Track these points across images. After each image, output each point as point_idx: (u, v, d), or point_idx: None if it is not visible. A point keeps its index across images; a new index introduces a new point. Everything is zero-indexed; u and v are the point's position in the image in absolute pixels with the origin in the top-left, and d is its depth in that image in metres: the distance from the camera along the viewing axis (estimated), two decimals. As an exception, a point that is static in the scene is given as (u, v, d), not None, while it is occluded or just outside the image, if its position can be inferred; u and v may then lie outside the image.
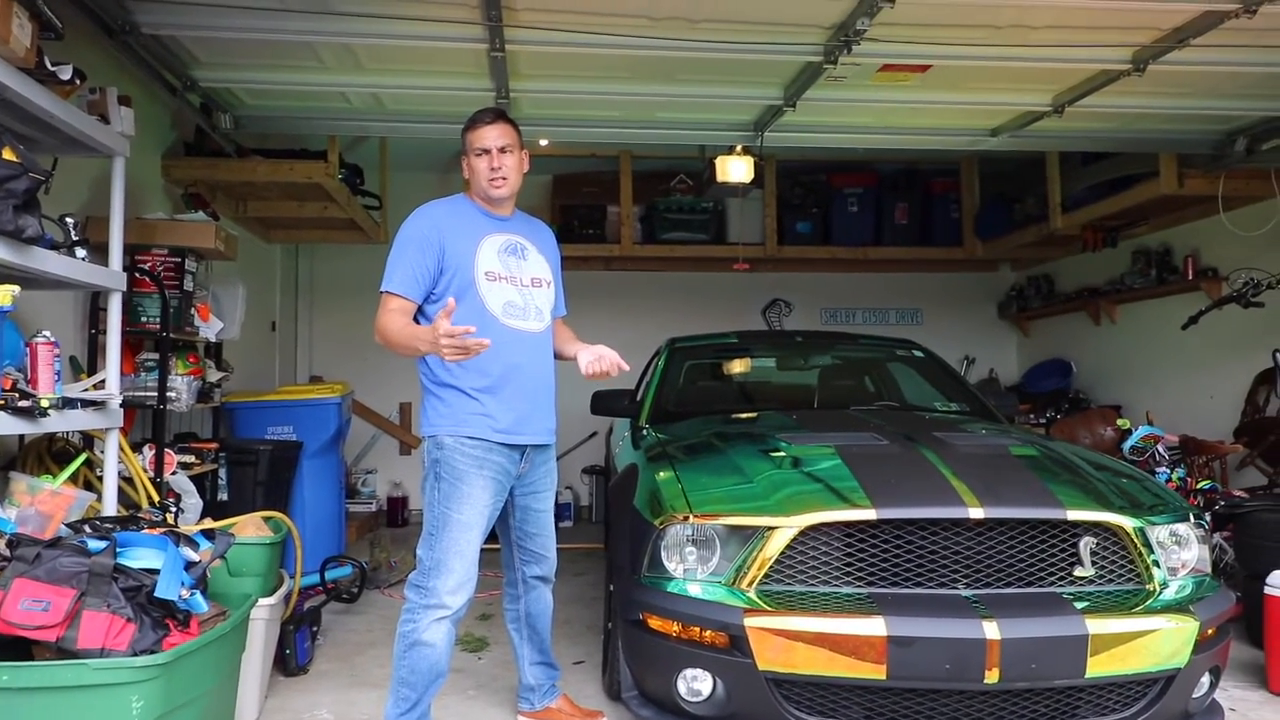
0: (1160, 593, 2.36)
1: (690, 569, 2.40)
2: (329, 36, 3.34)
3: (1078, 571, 2.35)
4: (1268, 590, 3.04)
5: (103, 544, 2.14)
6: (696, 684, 2.33)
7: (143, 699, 1.96)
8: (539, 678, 2.82)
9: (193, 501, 3.61)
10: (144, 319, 3.61)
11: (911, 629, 2.16)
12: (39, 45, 2.40)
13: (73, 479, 2.81)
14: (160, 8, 3.15)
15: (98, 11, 3.04)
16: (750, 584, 2.32)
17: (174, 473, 3.61)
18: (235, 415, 4.67)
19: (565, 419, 2.86)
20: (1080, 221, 5.77)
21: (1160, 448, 4.23)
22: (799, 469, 2.62)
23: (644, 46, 3.36)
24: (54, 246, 2.55)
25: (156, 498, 3.29)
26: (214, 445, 4.13)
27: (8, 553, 2.10)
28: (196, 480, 3.78)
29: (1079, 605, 2.25)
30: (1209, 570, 2.53)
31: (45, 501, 2.52)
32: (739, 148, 4.83)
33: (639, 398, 3.99)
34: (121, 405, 2.92)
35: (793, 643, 2.19)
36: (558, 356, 2.74)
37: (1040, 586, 2.33)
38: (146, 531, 2.31)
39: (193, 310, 3.87)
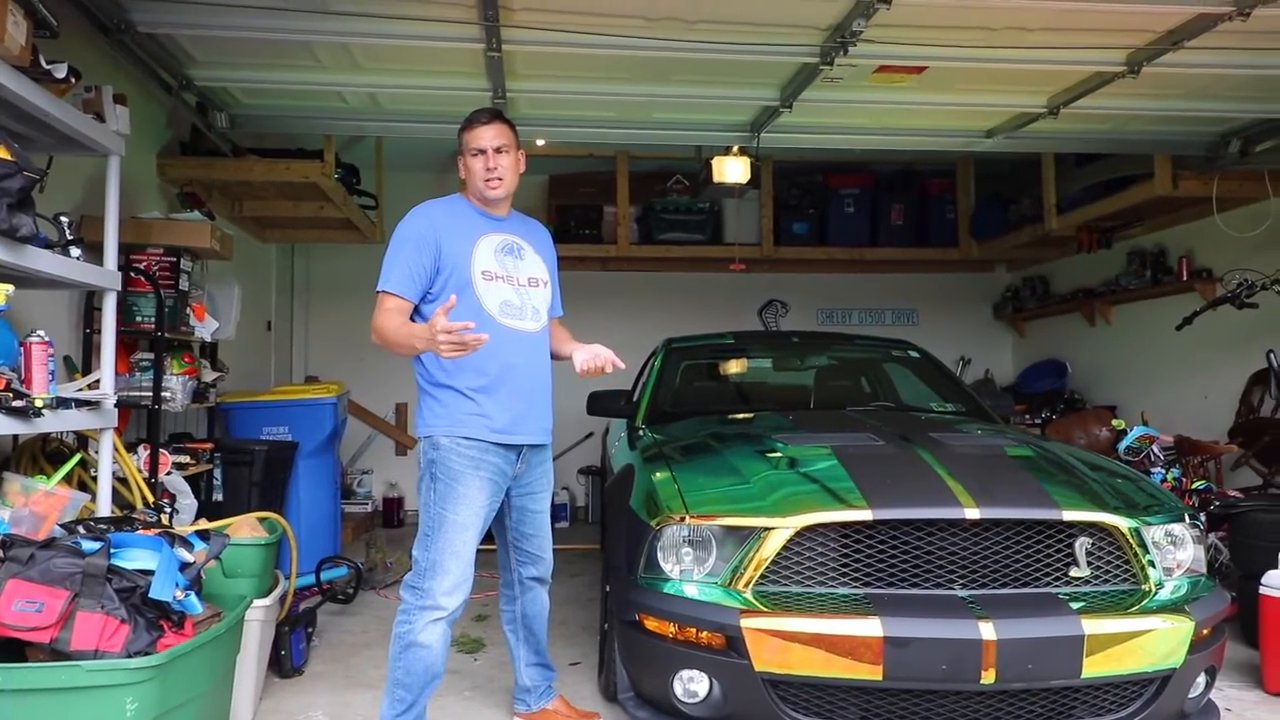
0: (1156, 593, 2.37)
1: (686, 570, 2.40)
2: (326, 36, 3.33)
3: (1073, 572, 2.36)
4: (1263, 590, 3.05)
5: (97, 545, 2.13)
6: (693, 685, 2.33)
7: (137, 701, 1.96)
8: (535, 679, 2.82)
9: (188, 502, 3.60)
10: (139, 319, 3.60)
11: (908, 630, 2.16)
12: (34, 43, 2.39)
13: (67, 479, 2.80)
14: (156, 6, 3.14)
15: (93, 10, 3.03)
16: (746, 585, 2.32)
17: (169, 473, 3.60)
18: (230, 415, 4.66)
19: (561, 419, 2.85)
20: (1075, 222, 5.79)
21: (1155, 448, 4.25)
22: (795, 469, 2.62)
23: (640, 47, 3.36)
24: (48, 245, 2.54)
25: (151, 498, 3.28)
26: (209, 445, 4.12)
27: (1, 553, 2.09)
28: (191, 481, 3.78)
29: (1075, 606, 2.25)
30: (1204, 570, 2.53)
31: (39, 502, 2.51)
32: (735, 148, 4.83)
33: (635, 398, 3.99)
34: (116, 405, 2.91)
35: (789, 644, 2.19)
36: (554, 357, 2.74)
37: (1036, 587, 2.33)
38: (141, 532, 2.31)
39: (188, 310, 3.86)
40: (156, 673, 1.99)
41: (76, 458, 2.95)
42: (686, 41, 3.34)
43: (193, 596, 2.21)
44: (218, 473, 4.17)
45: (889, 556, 2.33)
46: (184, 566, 2.23)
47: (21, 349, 2.45)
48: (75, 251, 2.68)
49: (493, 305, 2.51)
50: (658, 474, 2.69)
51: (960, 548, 2.34)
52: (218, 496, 4.15)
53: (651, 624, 2.39)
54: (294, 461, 4.55)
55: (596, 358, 2.57)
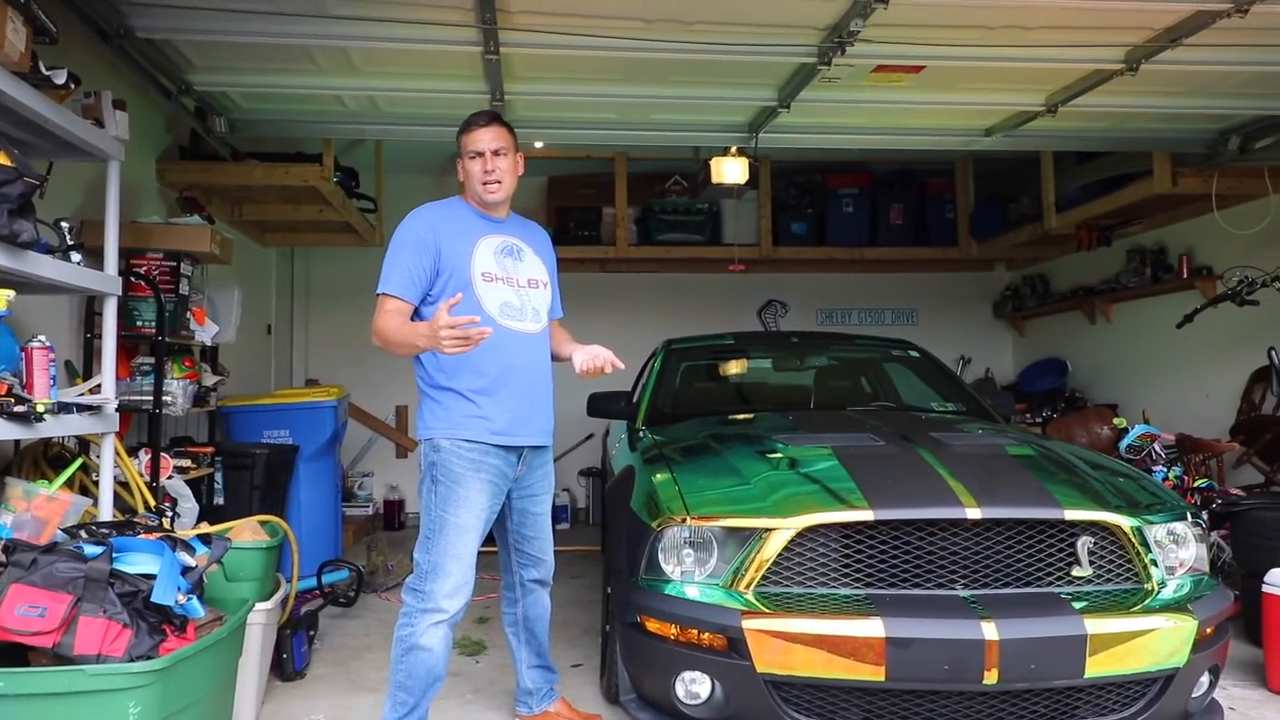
0: (1158, 592, 2.36)
1: (688, 571, 2.40)
2: (324, 40, 3.33)
3: (1076, 571, 2.36)
4: (1266, 588, 3.05)
5: (99, 549, 2.13)
6: (695, 687, 2.32)
7: (139, 705, 1.96)
8: (537, 681, 2.82)
9: (189, 506, 3.60)
10: (139, 323, 3.60)
11: (910, 630, 2.16)
12: (33, 49, 2.40)
13: (68, 484, 2.80)
14: (155, 12, 3.14)
15: (92, 16, 3.03)
16: (748, 586, 2.31)
17: (170, 477, 3.60)
18: (231, 419, 4.66)
19: (562, 421, 2.85)
20: (1075, 221, 5.79)
21: (1157, 446, 4.24)
22: (796, 470, 2.62)
23: (638, 49, 3.36)
24: (49, 251, 2.55)
25: (153, 502, 3.29)
26: (210, 449, 4.13)
27: (4, 558, 2.10)
28: (192, 484, 3.78)
29: (1077, 605, 2.25)
30: (1207, 569, 2.53)
31: (41, 507, 2.51)
32: (734, 149, 4.83)
33: (635, 400, 3.99)
34: (117, 410, 2.91)
35: (791, 645, 2.19)
36: (554, 358, 2.74)
37: (1038, 586, 2.33)
38: (143, 536, 2.31)
39: (188, 314, 3.86)
40: (159, 677, 1.99)
41: (78, 462, 2.95)
42: (684, 43, 3.34)
43: (195, 600, 2.21)
44: (219, 476, 4.18)
45: (890, 557, 2.33)
46: (186, 570, 2.23)
47: (23, 354, 2.46)
48: (76, 257, 2.68)
49: (493, 306, 2.51)
50: (658, 475, 2.69)
51: (962, 548, 2.34)
52: (219, 500, 4.16)
53: (653, 625, 2.39)
54: (295, 465, 4.55)
55: (596, 358, 2.57)
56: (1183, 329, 4.97)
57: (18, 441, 2.98)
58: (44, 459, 3.02)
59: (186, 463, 3.80)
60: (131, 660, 2.01)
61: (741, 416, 3.71)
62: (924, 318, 7.56)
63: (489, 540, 2.59)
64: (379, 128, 4.50)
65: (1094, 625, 2.18)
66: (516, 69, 3.70)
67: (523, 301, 2.59)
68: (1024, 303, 7.31)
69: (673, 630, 2.34)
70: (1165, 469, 4.11)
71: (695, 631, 2.30)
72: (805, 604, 2.27)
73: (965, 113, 4.34)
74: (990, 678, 2.13)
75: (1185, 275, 5.41)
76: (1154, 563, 2.39)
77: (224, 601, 2.56)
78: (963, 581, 2.32)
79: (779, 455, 2.74)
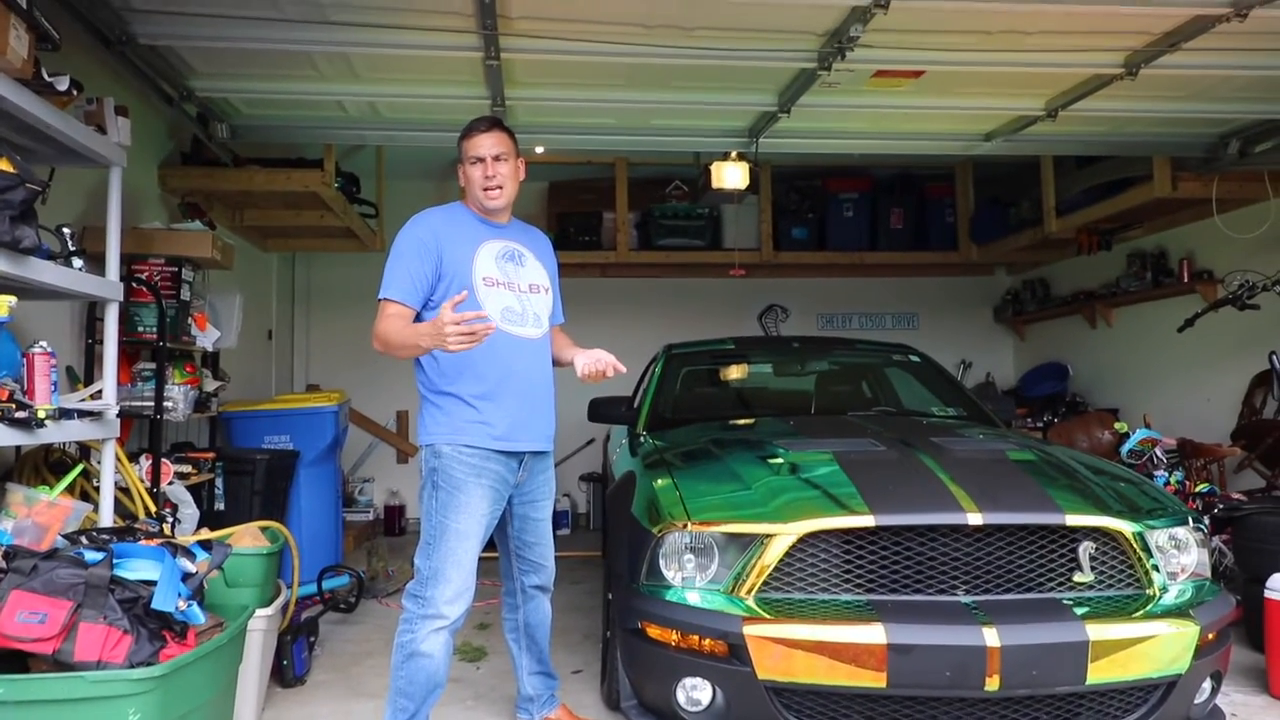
0: (1160, 597, 2.36)
1: (689, 577, 2.40)
2: (325, 46, 3.34)
3: (1077, 577, 2.35)
4: (1268, 594, 3.04)
5: (99, 555, 2.13)
6: (696, 693, 2.32)
7: (140, 711, 1.96)
8: (537, 687, 2.81)
9: (189, 512, 3.60)
10: (141, 329, 3.61)
11: (911, 636, 2.15)
12: (36, 56, 2.40)
13: (69, 490, 2.80)
14: (157, 18, 3.15)
15: (95, 22, 3.04)
16: (749, 592, 2.31)
17: (171, 483, 3.60)
18: (232, 424, 4.66)
19: (563, 426, 2.85)
20: (1075, 225, 5.79)
21: (1158, 451, 4.24)
22: (797, 475, 2.61)
23: (639, 54, 3.37)
24: (51, 257, 2.55)
25: (153, 508, 3.28)
26: (211, 455, 4.13)
27: (4, 564, 2.09)
28: (193, 490, 3.78)
29: (1079, 611, 2.24)
30: (1208, 574, 2.52)
31: (42, 513, 2.51)
32: (734, 154, 4.84)
33: (636, 404, 3.99)
34: (118, 415, 2.91)
35: (792, 651, 2.18)
36: (556, 363, 2.74)
37: (1040, 592, 2.33)
38: (143, 542, 2.31)
39: (189, 319, 3.86)
40: (159, 683, 1.99)
41: (79, 468, 2.95)
42: (684, 48, 3.35)
43: (195, 606, 2.21)
44: (219, 482, 4.17)
45: (892, 562, 2.32)
46: (186, 576, 2.23)
47: (24, 360, 2.46)
48: (77, 262, 2.69)
49: (494, 311, 2.51)
50: (659, 481, 2.69)
51: (963, 553, 2.33)
52: (219, 506, 4.15)
53: (654, 631, 2.39)
54: (295, 470, 4.55)
55: (598, 362, 2.57)
56: (1184, 333, 4.97)
57: (19, 447, 2.98)
58: (45, 465, 3.02)
59: (187, 468, 3.80)
60: (132, 667, 2.00)
61: (742, 421, 3.71)
62: (925, 322, 7.56)
63: (490, 546, 2.59)
64: (380, 133, 4.51)
65: (1096, 631, 2.17)
66: (517, 74, 3.71)
67: (524, 306, 2.59)
68: (1024, 307, 7.31)
69: (674, 636, 2.34)
70: (1166, 474, 4.11)
71: (696, 637, 2.30)
72: (806, 610, 2.27)
73: (965, 117, 4.35)
74: (992, 684, 2.12)
75: (1186, 279, 5.41)
76: (1156, 568, 2.38)
77: (224, 607, 2.55)
78: (964, 587, 2.31)
79: (780, 460, 2.74)
